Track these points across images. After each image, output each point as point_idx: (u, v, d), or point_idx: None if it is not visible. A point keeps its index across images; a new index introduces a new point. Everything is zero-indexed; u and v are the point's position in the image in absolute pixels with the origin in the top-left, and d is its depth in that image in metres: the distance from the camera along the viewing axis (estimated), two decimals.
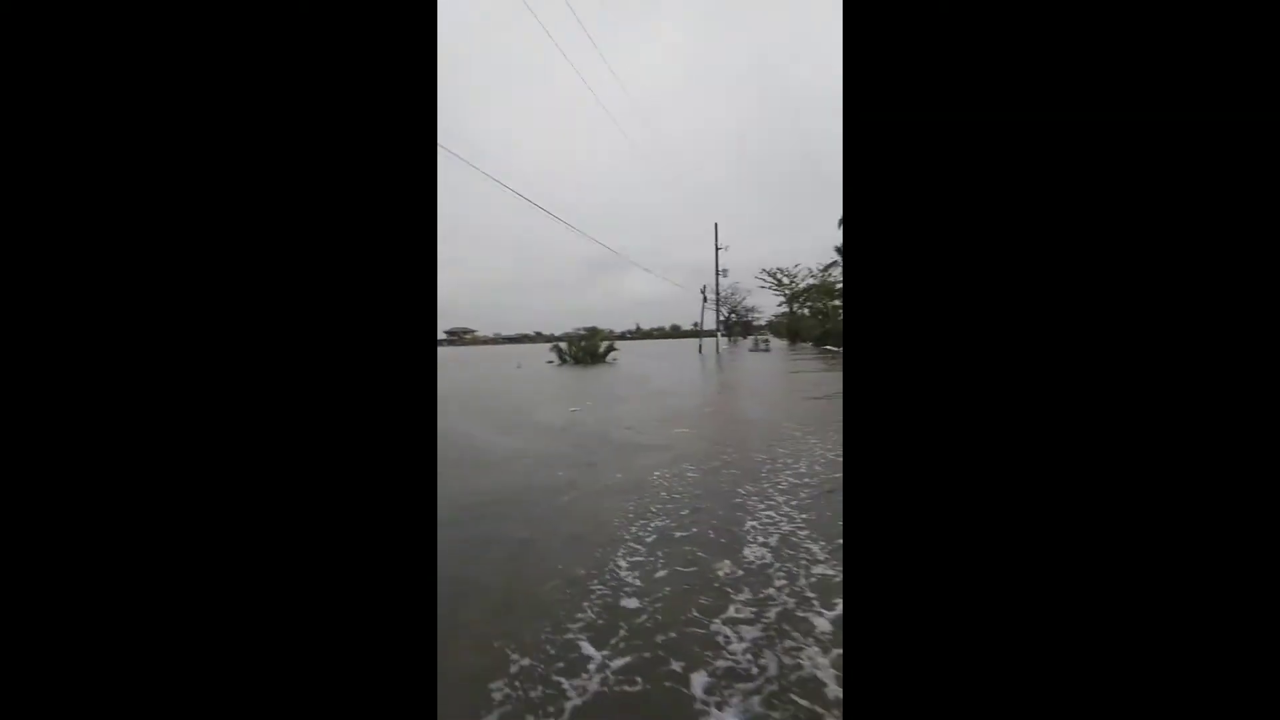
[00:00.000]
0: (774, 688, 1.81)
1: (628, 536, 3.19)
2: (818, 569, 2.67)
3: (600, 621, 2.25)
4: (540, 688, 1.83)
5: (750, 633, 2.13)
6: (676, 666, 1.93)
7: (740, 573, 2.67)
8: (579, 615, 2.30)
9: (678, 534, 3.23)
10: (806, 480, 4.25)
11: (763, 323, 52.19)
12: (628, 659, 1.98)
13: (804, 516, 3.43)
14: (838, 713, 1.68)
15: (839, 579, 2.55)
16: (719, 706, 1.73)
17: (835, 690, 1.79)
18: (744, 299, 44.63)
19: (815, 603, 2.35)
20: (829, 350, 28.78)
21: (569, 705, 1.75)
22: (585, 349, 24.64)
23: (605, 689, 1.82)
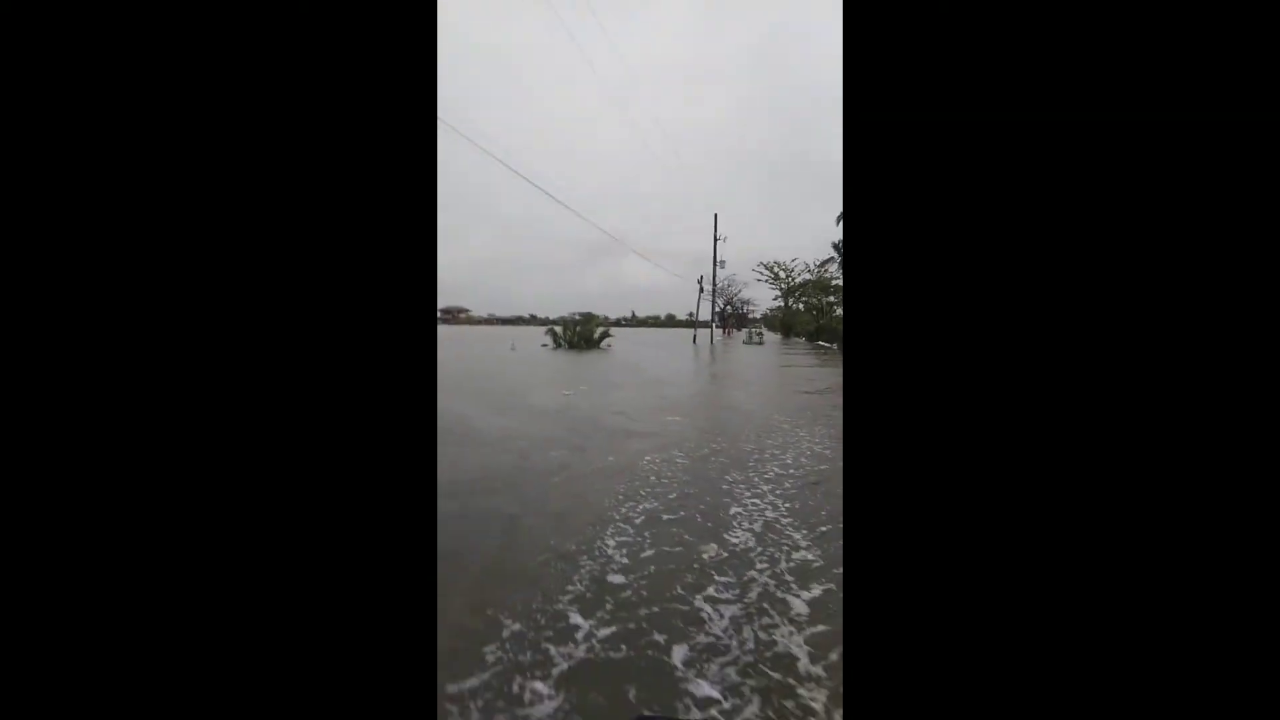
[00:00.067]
0: (749, 659, 1.93)
1: (617, 517, 3.30)
2: (798, 554, 2.79)
3: (588, 595, 2.36)
4: (529, 652, 1.94)
5: (730, 610, 2.25)
6: (659, 638, 2.04)
7: (725, 555, 2.78)
8: (569, 588, 2.41)
9: (665, 516, 3.34)
10: (792, 471, 4.38)
11: (758, 316, 52.37)
12: (613, 629, 2.10)
13: (788, 505, 3.55)
14: (810, 686, 1.80)
15: (818, 564, 2.67)
16: (697, 675, 1.84)
17: (808, 665, 1.91)
18: (740, 291, 44.73)
19: (793, 585, 2.46)
20: (822, 346, 28.97)
21: (555, 671, 1.86)
22: (580, 334, 24.68)
23: (591, 655, 1.93)
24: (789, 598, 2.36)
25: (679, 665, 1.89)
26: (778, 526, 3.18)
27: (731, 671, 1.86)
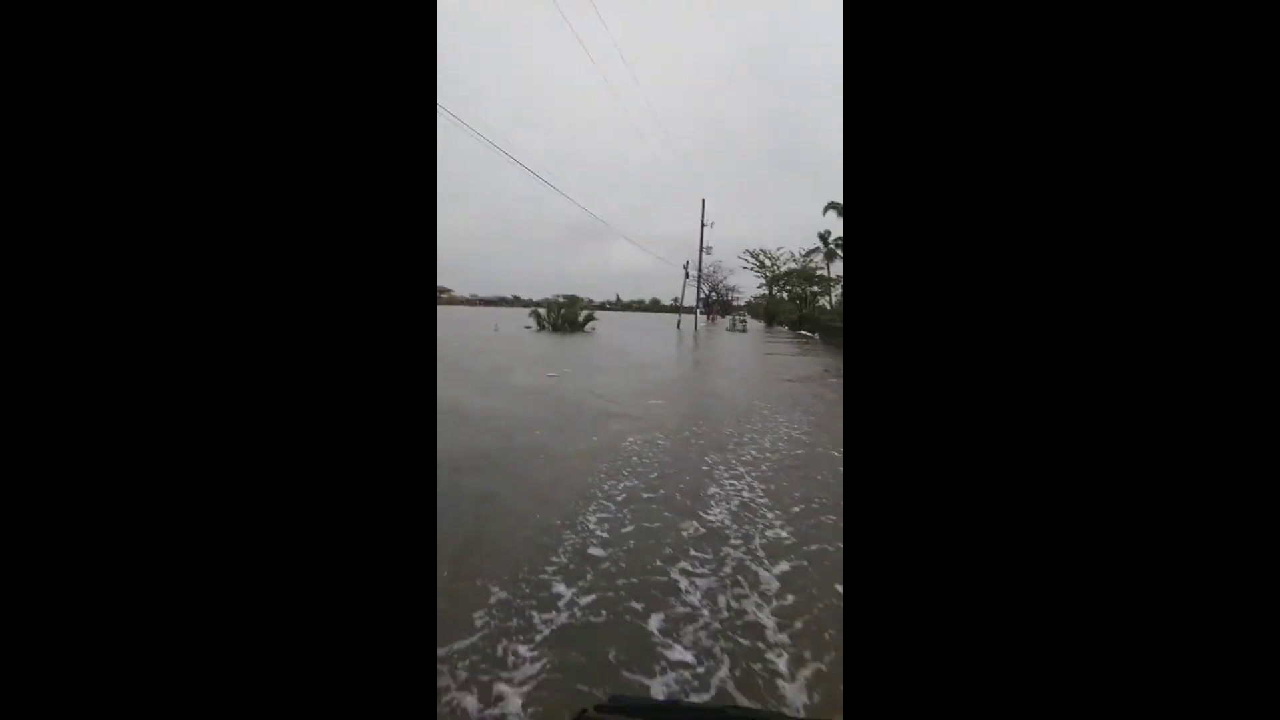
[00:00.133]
0: (718, 626, 2.05)
1: (600, 494, 3.41)
2: (771, 532, 2.93)
3: (571, 566, 2.46)
4: (515, 619, 2.04)
5: (705, 583, 2.37)
6: (637, 606, 2.16)
7: (703, 531, 2.91)
8: (553, 559, 2.51)
9: (645, 494, 3.46)
10: (769, 455, 4.52)
11: (742, 303, 52.65)
12: (593, 596, 2.21)
13: (764, 486, 3.69)
14: (777, 651, 1.93)
15: (790, 541, 2.81)
16: (671, 639, 1.96)
17: (775, 634, 2.04)
18: (725, 278, 44.84)
19: (765, 560, 2.60)
20: (804, 335, 29.31)
21: (538, 637, 1.96)
22: (564, 317, 24.63)
23: (573, 620, 2.05)
24: (760, 571, 2.49)
25: (655, 631, 2.01)
26: (753, 506, 3.32)
27: (703, 636, 1.99)
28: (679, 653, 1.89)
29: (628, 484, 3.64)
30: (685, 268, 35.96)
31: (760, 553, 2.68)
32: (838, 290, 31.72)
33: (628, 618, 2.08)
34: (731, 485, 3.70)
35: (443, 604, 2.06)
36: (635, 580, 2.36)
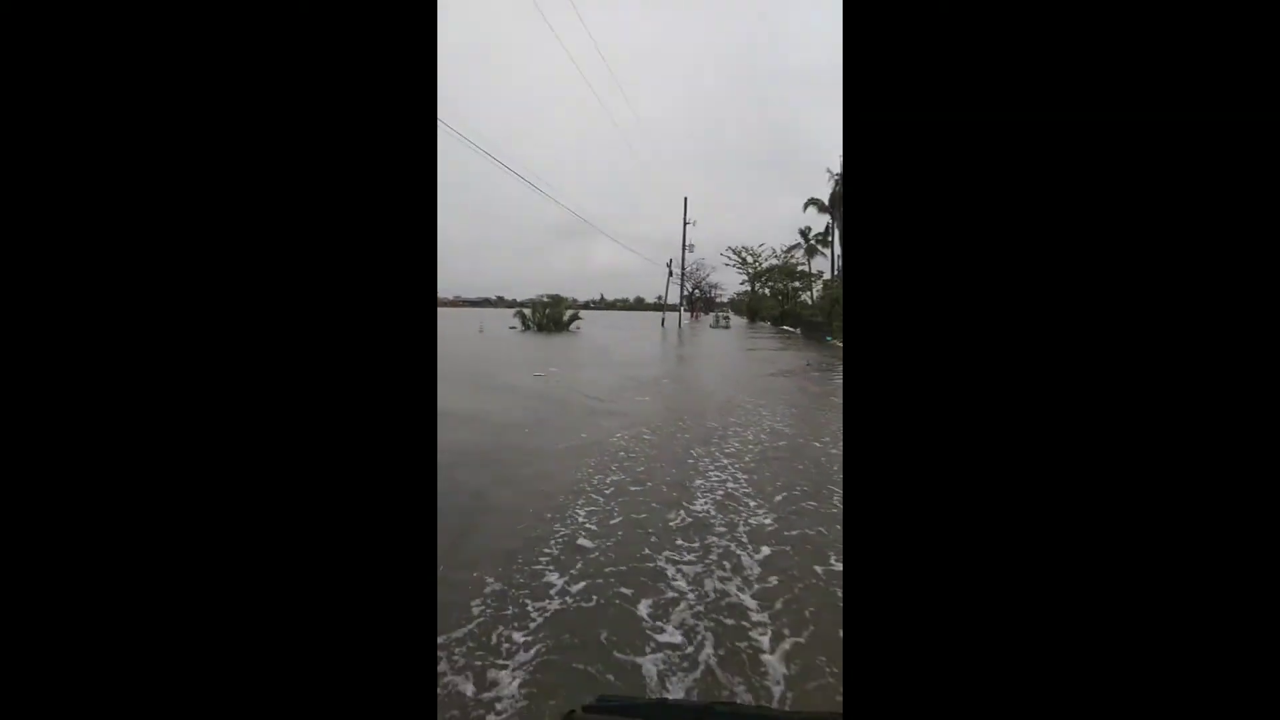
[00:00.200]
0: (702, 608, 2.17)
1: (589, 488, 3.51)
2: (754, 519, 3.05)
3: (562, 556, 2.56)
4: (510, 607, 2.13)
5: (691, 570, 2.49)
6: (626, 591, 2.26)
7: (689, 520, 3.02)
8: (545, 550, 2.61)
9: (633, 487, 3.56)
10: (751, 446, 4.66)
11: (725, 300, 52.99)
12: (583, 584, 2.31)
13: (747, 477, 3.82)
14: (759, 630, 2.05)
15: (771, 528, 2.94)
16: (660, 621, 2.07)
17: (757, 614, 2.16)
18: (708, 275, 45.10)
19: (748, 546, 2.72)
20: (786, 330, 29.66)
21: (531, 624, 2.06)
22: (549, 316, 24.63)
23: (565, 605, 2.15)
24: (743, 555, 2.62)
25: (645, 614, 2.12)
26: (737, 495, 3.45)
27: (689, 618, 2.10)
28: (669, 635, 2.00)
29: (615, 478, 3.74)
30: (669, 266, 36.14)
31: (744, 539, 2.80)
32: (818, 285, 32.11)
33: (617, 601, 2.18)
34: (716, 476, 3.82)
35: (444, 593, 2.15)
36: (624, 568, 2.46)
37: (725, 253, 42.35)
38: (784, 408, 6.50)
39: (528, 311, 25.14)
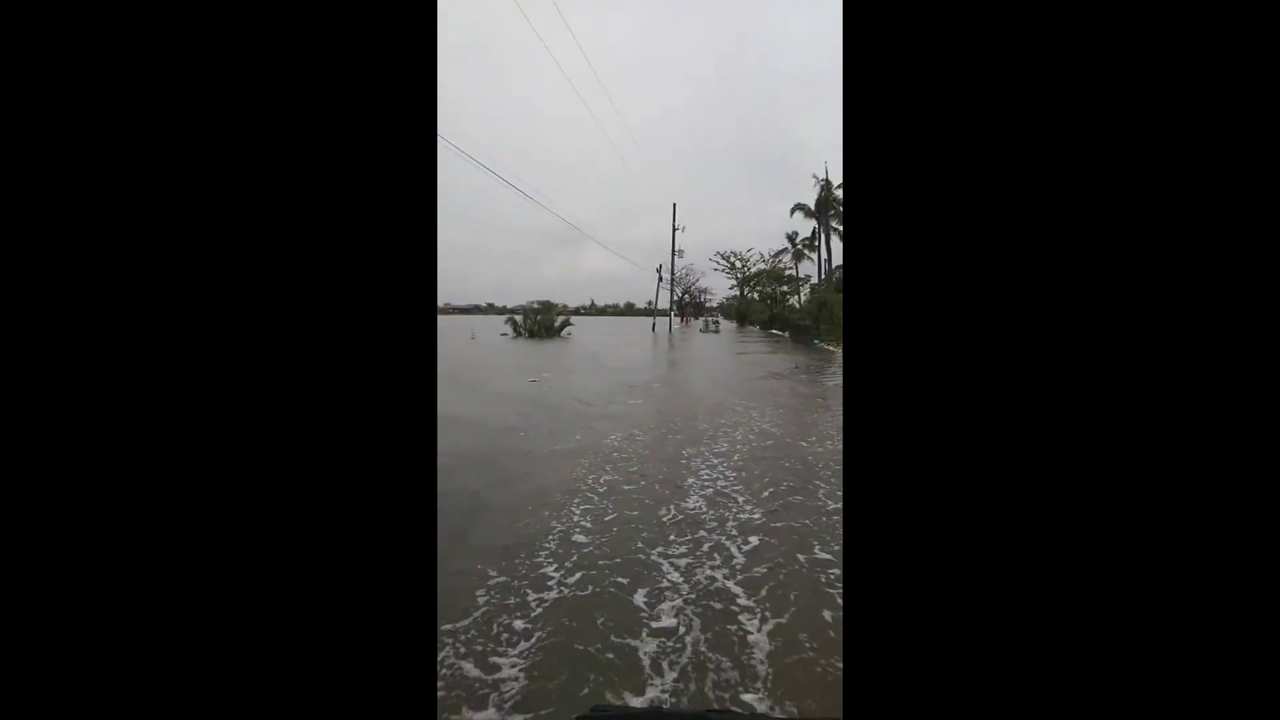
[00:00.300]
0: (695, 596, 2.31)
1: (584, 487, 3.64)
2: (742, 515, 3.20)
3: (560, 550, 2.69)
4: (513, 598, 2.26)
5: (681, 562, 2.62)
6: (623, 580, 2.40)
7: (681, 517, 3.16)
8: (544, 545, 2.73)
9: (626, 486, 3.70)
10: (740, 446, 4.81)
11: (714, 304, 53.37)
12: (580, 574, 2.44)
13: (736, 475, 3.96)
14: (746, 615, 2.19)
15: (759, 521, 3.08)
16: (653, 608, 2.20)
17: (744, 599, 2.29)
18: (698, 280, 45.43)
19: (737, 539, 2.86)
20: (775, 334, 29.93)
21: (532, 614, 2.18)
22: (540, 323, 24.73)
23: (563, 595, 2.27)
24: (732, 547, 2.76)
25: (641, 603, 2.25)
26: (727, 492, 3.59)
27: (680, 604, 2.23)
28: (663, 621, 2.13)
29: (609, 478, 3.87)
30: (659, 271, 36.36)
31: (733, 532, 2.94)
32: (806, 289, 32.47)
33: (613, 590, 2.32)
34: (707, 475, 3.96)
35: (454, 582, 2.27)
36: (619, 561, 2.60)
37: (714, 258, 42.75)
38: (773, 409, 6.67)
39: (519, 318, 25.20)
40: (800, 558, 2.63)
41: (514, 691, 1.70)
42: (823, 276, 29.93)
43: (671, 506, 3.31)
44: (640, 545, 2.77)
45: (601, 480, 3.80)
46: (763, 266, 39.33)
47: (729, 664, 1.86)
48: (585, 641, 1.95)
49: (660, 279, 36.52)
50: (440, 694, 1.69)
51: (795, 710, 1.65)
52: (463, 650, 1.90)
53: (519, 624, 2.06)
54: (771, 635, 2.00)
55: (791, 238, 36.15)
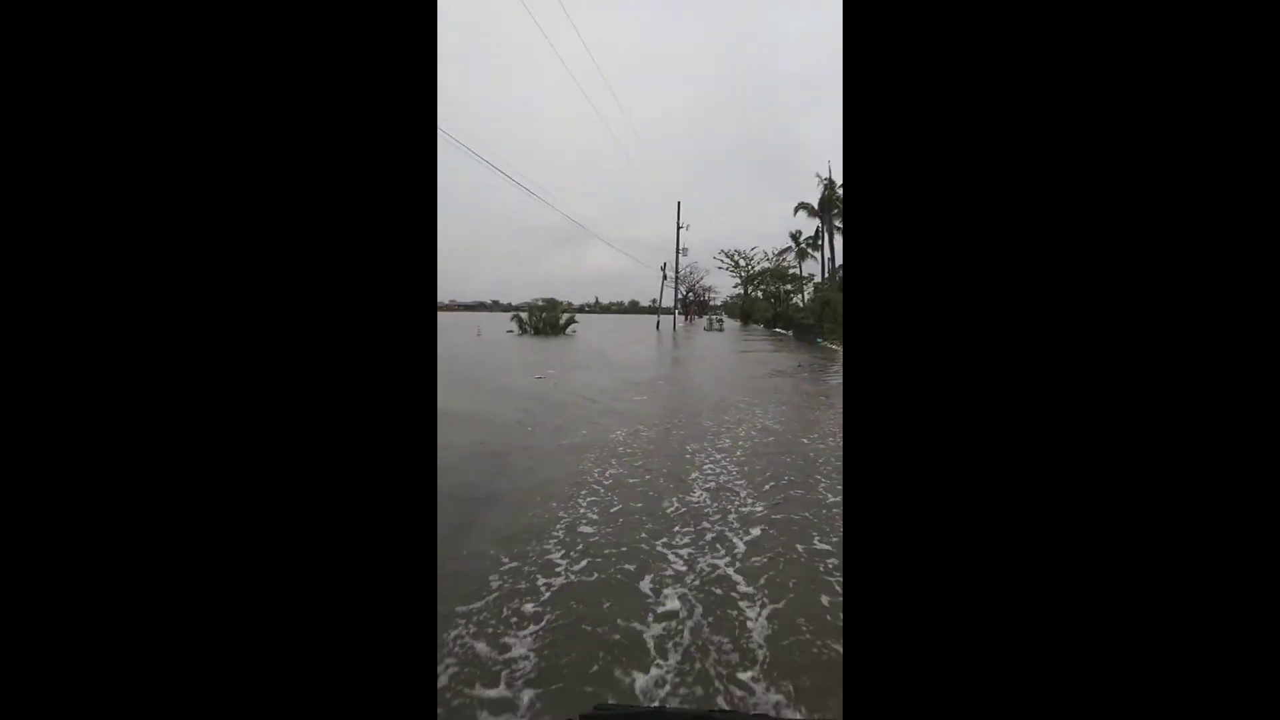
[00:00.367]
0: (698, 583, 2.41)
1: (590, 480, 3.75)
2: (745, 508, 3.29)
3: (567, 539, 2.79)
4: (523, 583, 2.36)
5: (685, 551, 2.72)
6: (629, 567, 2.50)
7: (685, 509, 3.26)
8: (552, 534, 2.84)
9: (631, 480, 3.80)
10: (742, 442, 4.90)
11: (718, 303, 53.37)
12: (585, 561, 2.55)
13: (738, 469, 4.06)
14: (746, 602, 2.28)
15: (760, 513, 3.18)
16: (657, 594, 2.31)
17: (744, 586, 2.39)
18: (702, 278, 45.41)
19: (739, 530, 2.96)
20: (778, 332, 29.95)
21: (541, 597, 2.29)
22: (545, 320, 24.86)
23: (570, 580, 2.38)
24: (733, 538, 2.86)
25: (646, 589, 2.35)
26: (729, 486, 3.69)
27: (683, 590, 2.33)
28: (668, 605, 2.23)
29: (614, 471, 3.97)
30: (663, 269, 36.39)
31: (735, 524, 3.04)
32: (809, 288, 32.47)
33: (619, 577, 2.42)
34: (710, 469, 4.06)
35: (469, 564, 2.38)
36: (624, 549, 2.70)
37: (718, 256, 42.71)
38: (775, 406, 6.76)
39: (524, 315, 25.35)
40: (799, 548, 2.73)
41: (528, 669, 1.80)
42: (826, 275, 29.91)
43: (675, 499, 3.41)
44: (644, 535, 2.87)
45: (607, 474, 3.91)
46: (766, 265, 39.30)
47: (729, 645, 1.96)
48: (593, 624, 2.06)
49: (664, 277, 36.58)
50: (455, 670, 1.80)
51: (792, 688, 1.75)
52: (474, 630, 2.00)
53: (529, 607, 2.17)
54: (769, 618, 2.10)
55: (795, 237, 36.13)
